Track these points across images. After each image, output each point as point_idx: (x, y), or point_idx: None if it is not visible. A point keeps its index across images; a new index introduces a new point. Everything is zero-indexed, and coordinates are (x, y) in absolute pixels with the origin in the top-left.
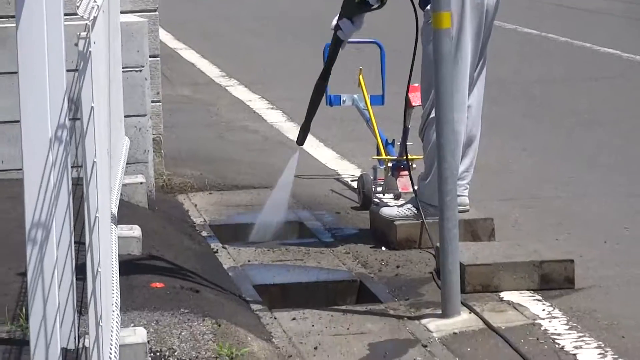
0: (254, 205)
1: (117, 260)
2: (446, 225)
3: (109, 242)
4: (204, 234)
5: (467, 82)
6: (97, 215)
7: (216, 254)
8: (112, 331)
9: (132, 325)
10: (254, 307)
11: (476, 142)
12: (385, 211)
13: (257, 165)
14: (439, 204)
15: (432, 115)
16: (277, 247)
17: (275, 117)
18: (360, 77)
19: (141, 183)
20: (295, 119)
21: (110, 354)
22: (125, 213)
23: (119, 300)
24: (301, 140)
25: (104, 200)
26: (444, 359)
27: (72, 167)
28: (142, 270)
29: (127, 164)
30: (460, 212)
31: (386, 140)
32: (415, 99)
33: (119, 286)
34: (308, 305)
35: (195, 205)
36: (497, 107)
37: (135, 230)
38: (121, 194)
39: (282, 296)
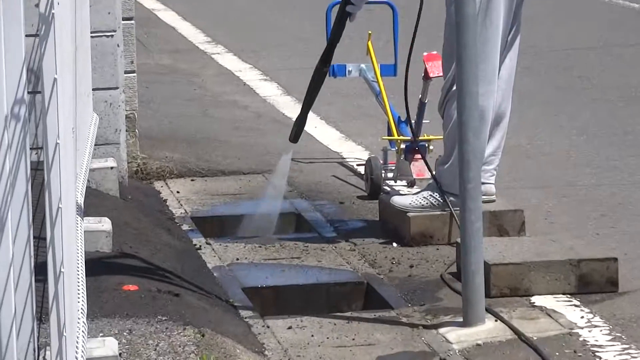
0: (244, 195)
1: (84, 259)
2: (468, 218)
3: (74, 237)
4: (185, 227)
5: (497, 49)
6: (60, 205)
7: (199, 251)
8: (77, 342)
9: (100, 335)
10: (244, 313)
11: (506, 120)
12: (397, 200)
13: (248, 147)
14: (460, 193)
15: (455, 88)
16: (270, 243)
17: (269, 90)
18: (369, 43)
19: (111, 168)
20: (292, 92)
21: None
22: (93, 203)
23: (85, 305)
24: (295, 136)
25: (68, 188)
26: None
27: (31, 149)
28: (113, 270)
29: (95, 145)
30: (484, 202)
31: (399, 117)
32: (434, 69)
33: (85, 289)
34: (306, 312)
35: (175, 194)
36: (530, 79)
37: (105, 224)
38: (88, 180)
39: (276, 301)
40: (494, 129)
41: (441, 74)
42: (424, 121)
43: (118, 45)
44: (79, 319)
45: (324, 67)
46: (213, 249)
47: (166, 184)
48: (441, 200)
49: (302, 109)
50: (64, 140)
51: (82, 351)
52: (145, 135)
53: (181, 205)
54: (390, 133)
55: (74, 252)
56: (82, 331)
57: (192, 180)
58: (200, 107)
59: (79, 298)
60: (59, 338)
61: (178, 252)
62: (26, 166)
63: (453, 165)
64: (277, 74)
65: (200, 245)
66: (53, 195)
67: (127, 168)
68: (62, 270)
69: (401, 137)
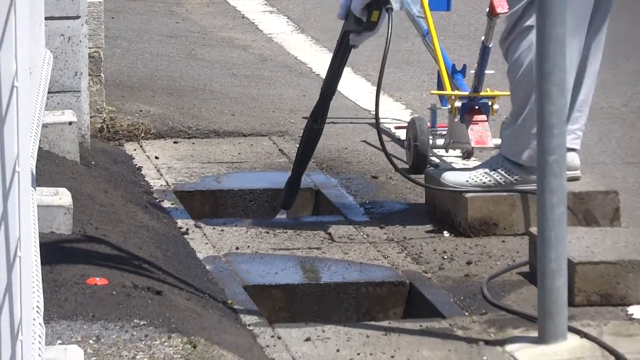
0: (244, 163)
1: (38, 242)
2: (549, 201)
3: (30, 212)
4: (167, 204)
5: None
6: (17, 169)
7: (186, 236)
8: (36, 350)
9: (59, 342)
10: (246, 319)
11: (596, 65)
12: (449, 178)
13: (249, 100)
14: (538, 167)
15: (529, 22)
16: (280, 228)
17: (276, 25)
18: None
19: (70, 123)
20: (307, 28)
21: None
22: (47, 169)
23: (42, 302)
24: (287, 203)
25: (25, 146)
26: None
27: None
28: (74, 258)
29: (48, 93)
30: (567, 179)
31: (453, 66)
32: (503, 2)
33: (40, 282)
34: (329, 320)
35: (153, 160)
36: (626, 23)
37: (63, 196)
38: (40, 139)
39: (289, 304)
40: (582, 75)
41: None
42: (487, 71)
43: None
44: (34, 319)
45: (315, 124)
46: (204, 234)
47: (140, 146)
48: (509, 178)
49: (293, 171)
50: (21, 81)
51: None
52: (113, 82)
53: (161, 175)
54: (441, 86)
55: (31, 232)
56: (39, 335)
57: (175, 142)
58: (185, 46)
59: (34, 293)
60: (13, 343)
61: (158, 236)
62: None
63: (523, 127)
64: (285, 5)
65: (187, 229)
66: (7, 155)
67: (90, 124)
68: (18, 254)
69: (456, 92)
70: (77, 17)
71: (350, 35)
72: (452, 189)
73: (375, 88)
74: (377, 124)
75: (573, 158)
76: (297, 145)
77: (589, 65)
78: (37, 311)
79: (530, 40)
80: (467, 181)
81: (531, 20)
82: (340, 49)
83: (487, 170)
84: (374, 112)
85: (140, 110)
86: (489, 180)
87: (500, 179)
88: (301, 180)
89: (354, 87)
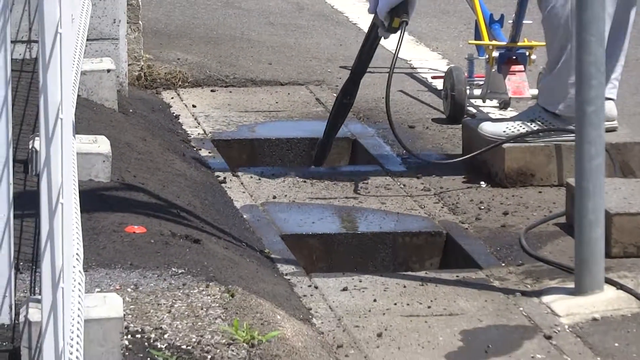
0: (281, 112)
1: (77, 190)
2: (587, 151)
3: (72, 159)
4: (205, 153)
5: None
6: (61, 116)
7: (224, 185)
8: (76, 298)
9: (97, 290)
10: (284, 269)
11: (630, 14)
12: (487, 128)
13: (286, 49)
14: (576, 117)
15: None
16: (317, 177)
17: None
18: None
19: (108, 71)
20: None
21: (72, 333)
22: (85, 116)
23: (81, 250)
24: (318, 160)
25: (68, 93)
26: (579, 358)
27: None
28: (112, 206)
29: (87, 40)
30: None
31: (491, 16)
32: None
33: (80, 230)
34: (366, 269)
35: (190, 109)
36: None
37: (102, 144)
38: (78, 86)
39: (326, 254)
40: (621, 21)
41: None
42: (524, 21)
43: None
44: (74, 267)
45: (345, 99)
46: (242, 183)
47: (178, 94)
48: (547, 128)
49: (324, 133)
50: (66, 29)
51: (79, 309)
52: (151, 30)
53: (199, 123)
54: (479, 36)
55: (71, 179)
56: (79, 283)
57: (212, 91)
58: None
59: (74, 241)
60: (54, 290)
61: (196, 184)
62: (5, 65)
63: (559, 77)
64: None
65: (224, 177)
66: (50, 102)
67: (128, 72)
68: (60, 200)
69: (493, 42)
70: None
71: (379, 29)
72: (489, 139)
73: (412, 37)
74: (390, 125)
75: (610, 108)
76: (334, 95)
77: (623, 14)
78: (77, 259)
79: None
80: (504, 131)
81: None
82: (370, 37)
83: (524, 120)
84: (385, 104)
85: (178, 59)
86: (528, 130)
87: (539, 129)
88: (332, 143)
89: (392, 36)
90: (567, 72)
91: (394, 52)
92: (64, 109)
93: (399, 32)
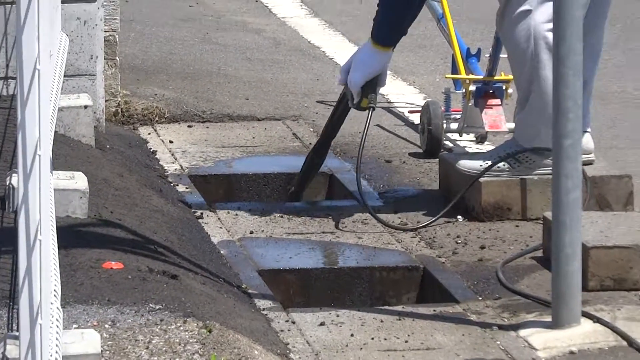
0: (258, 147)
1: (55, 226)
2: (563, 185)
3: (49, 195)
4: (182, 188)
5: None
6: (39, 152)
7: (201, 220)
8: (54, 334)
9: (75, 326)
10: (261, 304)
11: (599, 45)
12: (464, 164)
13: (263, 84)
14: (554, 150)
15: (524, 6)
16: (294, 212)
17: (290, 9)
18: None
19: (85, 107)
20: (321, 12)
21: None
22: (62, 153)
23: (59, 286)
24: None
25: (46, 129)
26: None
27: None
28: (90, 242)
29: (64, 76)
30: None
31: (468, 50)
32: None
33: (58, 266)
34: (344, 304)
35: (167, 144)
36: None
37: (79, 180)
38: (55, 123)
39: (303, 289)
40: (591, 52)
41: None
42: (501, 55)
43: None
44: (52, 304)
45: (315, 159)
46: (219, 218)
47: (155, 130)
48: (522, 163)
49: (294, 187)
50: (44, 65)
51: (57, 346)
52: (128, 66)
53: (175, 159)
54: (455, 70)
55: (49, 216)
56: (57, 320)
57: (189, 126)
58: (199, 30)
59: (52, 277)
60: (32, 327)
61: (173, 220)
62: None
63: (530, 113)
64: None
65: (202, 213)
66: (28, 138)
67: (105, 108)
68: (38, 237)
69: (470, 76)
70: (93, 1)
71: (348, 101)
72: (466, 174)
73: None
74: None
75: (587, 141)
76: (310, 129)
77: (592, 45)
78: (54, 295)
79: (528, 25)
80: (481, 166)
81: (527, 5)
82: (339, 106)
83: (501, 154)
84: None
85: (155, 94)
86: (503, 165)
87: (514, 162)
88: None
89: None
90: (538, 108)
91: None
92: (42, 145)
93: (366, 113)
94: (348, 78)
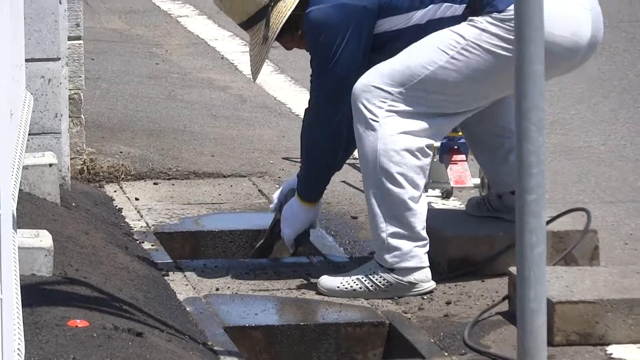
0: (224, 204)
1: (19, 284)
2: (527, 240)
3: (11, 254)
4: (147, 246)
5: None
6: (0, 211)
7: (166, 278)
8: None
9: None
10: None
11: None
12: (323, 283)
13: (228, 141)
14: (517, 206)
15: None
16: (260, 269)
17: None
18: None
19: (50, 165)
20: (286, 69)
21: None
22: (27, 211)
23: (22, 345)
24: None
25: (7, 188)
26: None
27: None
28: (55, 300)
29: (28, 135)
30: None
31: None
32: None
33: (22, 324)
34: None
35: (133, 202)
36: (605, 59)
37: (44, 238)
38: (20, 181)
39: (269, 345)
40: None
41: None
42: None
43: (60, 2)
44: None
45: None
46: (185, 276)
47: (121, 187)
48: (379, 285)
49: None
50: (3, 124)
51: None
52: (94, 123)
53: (141, 216)
54: None
55: (12, 274)
56: None
57: (155, 183)
58: (165, 87)
59: (15, 336)
60: None
61: (139, 278)
62: None
63: (374, 227)
64: None
65: (167, 270)
66: None
67: (70, 166)
68: (0, 296)
69: None
70: (58, 59)
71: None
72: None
73: None
74: None
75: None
76: (277, 186)
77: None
78: (18, 354)
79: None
80: (337, 287)
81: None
82: (272, 233)
83: (359, 276)
84: None
85: (121, 152)
86: (359, 287)
87: (371, 285)
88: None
89: None
90: (377, 220)
91: None
92: (3, 204)
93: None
94: (281, 231)
